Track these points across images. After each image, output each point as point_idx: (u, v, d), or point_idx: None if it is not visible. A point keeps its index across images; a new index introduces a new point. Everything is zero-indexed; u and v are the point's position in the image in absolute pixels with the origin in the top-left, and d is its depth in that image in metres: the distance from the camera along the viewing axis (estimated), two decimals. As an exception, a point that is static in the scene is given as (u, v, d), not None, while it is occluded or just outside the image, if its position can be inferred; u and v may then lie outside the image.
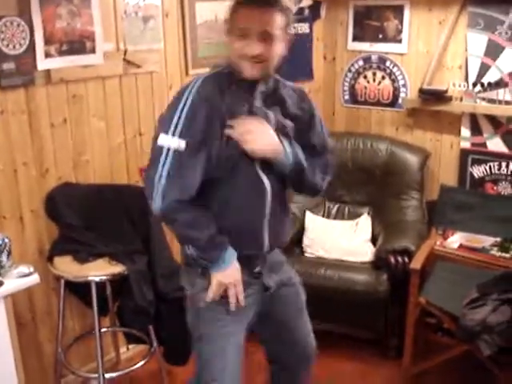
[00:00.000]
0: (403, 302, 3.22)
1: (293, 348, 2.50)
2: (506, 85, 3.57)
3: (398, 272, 3.29)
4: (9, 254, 2.47)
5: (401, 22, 3.92)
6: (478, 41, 3.62)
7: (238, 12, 2.00)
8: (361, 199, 3.98)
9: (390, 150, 3.90)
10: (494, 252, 3.48)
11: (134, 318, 3.03)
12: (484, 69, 3.63)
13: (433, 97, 3.80)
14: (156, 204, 2.00)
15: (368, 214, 3.92)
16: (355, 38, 4.19)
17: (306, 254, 3.73)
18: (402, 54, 4.00)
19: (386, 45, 4.04)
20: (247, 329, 2.29)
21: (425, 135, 4.02)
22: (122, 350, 3.50)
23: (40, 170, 2.89)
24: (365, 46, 4.15)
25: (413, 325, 3.19)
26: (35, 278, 2.50)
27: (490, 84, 3.61)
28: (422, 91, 3.84)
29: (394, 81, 4.07)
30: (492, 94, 3.62)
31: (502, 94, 3.57)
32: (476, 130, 3.78)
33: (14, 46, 2.63)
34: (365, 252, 3.64)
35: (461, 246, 3.55)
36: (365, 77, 4.21)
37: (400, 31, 3.94)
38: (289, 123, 2.16)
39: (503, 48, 3.53)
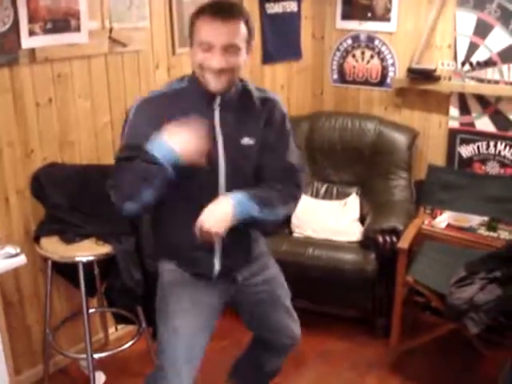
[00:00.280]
0: (391, 281, 3.24)
1: (270, 337, 2.54)
2: (494, 64, 3.56)
3: (385, 251, 3.30)
4: (-6, 235, 2.46)
5: (390, 1, 3.90)
6: (467, 20, 3.60)
7: (200, 23, 1.95)
8: (349, 179, 3.98)
9: (379, 130, 3.90)
10: (482, 231, 3.50)
11: (121, 298, 3.03)
12: (473, 48, 3.62)
13: (421, 76, 3.79)
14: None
15: (356, 193, 3.92)
16: (344, 17, 4.16)
17: (294, 234, 3.73)
18: (390, 33, 3.98)
19: (374, 23, 4.01)
20: (216, 315, 2.33)
21: (413, 115, 4.02)
22: (111, 330, 3.50)
23: (25, 151, 2.86)
24: (353, 25, 4.12)
25: (400, 304, 3.20)
26: (22, 259, 2.48)
27: (478, 63, 3.60)
28: (410, 70, 3.83)
29: (382, 60, 4.05)
30: (481, 74, 3.61)
31: (490, 73, 3.57)
32: (464, 109, 3.77)
33: (-3, 24, 2.59)
34: (353, 232, 3.65)
35: (448, 226, 3.56)
36: (353, 56, 4.19)
37: (389, 10, 3.92)
38: (249, 143, 2.10)
39: (492, 27, 3.52)
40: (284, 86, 4.23)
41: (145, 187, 1.91)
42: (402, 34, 3.93)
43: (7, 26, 2.62)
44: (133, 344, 3.09)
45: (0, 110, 2.72)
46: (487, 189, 3.43)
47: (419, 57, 3.83)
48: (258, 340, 2.62)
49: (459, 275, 2.90)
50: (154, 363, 3.21)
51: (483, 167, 3.78)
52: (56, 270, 2.94)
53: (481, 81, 3.62)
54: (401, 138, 3.85)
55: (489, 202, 3.43)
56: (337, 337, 3.53)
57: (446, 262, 3.21)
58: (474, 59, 3.62)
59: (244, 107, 2.12)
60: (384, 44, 4.01)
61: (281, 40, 4.06)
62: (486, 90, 3.62)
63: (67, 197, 2.88)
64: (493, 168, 3.75)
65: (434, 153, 3.97)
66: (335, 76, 4.32)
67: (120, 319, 3.30)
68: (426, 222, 3.58)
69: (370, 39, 4.07)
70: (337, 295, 3.51)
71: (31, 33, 2.71)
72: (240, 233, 2.14)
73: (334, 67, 4.31)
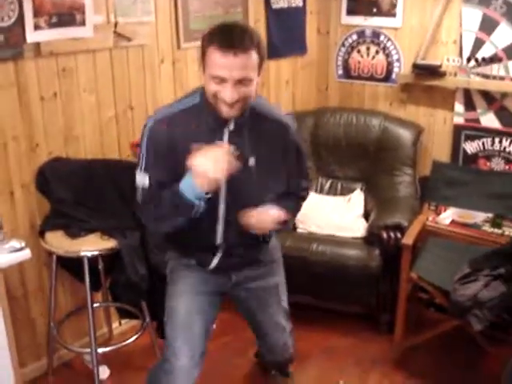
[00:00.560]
0: (395, 277, 3.24)
1: (262, 338, 2.63)
2: (500, 60, 3.55)
3: (390, 247, 3.29)
4: (0, 228, 2.45)
5: (395, -4, 3.89)
6: (472, 15, 3.59)
7: (212, 55, 1.92)
8: (353, 175, 3.98)
9: (383, 126, 3.89)
10: (486, 228, 3.48)
11: (126, 293, 3.03)
12: (478, 44, 3.60)
13: (427, 72, 3.78)
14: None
15: (361, 189, 3.92)
16: (349, 12, 4.15)
17: (298, 230, 3.73)
18: (396, 29, 3.96)
19: (380, 19, 4.00)
20: (214, 303, 2.40)
21: (418, 110, 4.01)
22: (115, 325, 3.51)
23: (30, 145, 2.86)
24: (359, 20, 4.11)
25: (404, 300, 3.20)
26: (27, 253, 2.49)
27: (484, 59, 3.59)
28: (415, 66, 3.82)
29: (387, 55, 4.04)
30: (486, 70, 3.60)
31: (496, 69, 3.55)
32: (469, 105, 3.76)
33: (3, 18, 2.57)
34: (357, 227, 3.64)
35: (453, 222, 3.55)
36: (358, 51, 4.18)
37: (394, 5, 3.90)
38: (252, 164, 2.13)
39: (498, 23, 3.50)
40: (289, 81, 4.22)
41: (180, 219, 2.09)
42: (407, 29, 3.91)
43: (12, 20, 2.62)
44: (137, 338, 3.10)
45: (5, 104, 2.72)
46: (492, 185, 3.42)
47: (425, 52, 3.81)
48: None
49: (463, 272, 2.90)
50: (157, 358, 3.22)
51: (488, 163, 3.77)
52: (61, 264, 2.95)
53: (486, 77, 3.61)
54: (406, 134, 3.84)
55: (493, 199, 3.41)
56: (341, 333, 3.53)
57: (450, 258, 3.21)
58: (479, 55, 3.61)
59: (251, 127, 2.12)
60: (389, 39, 4.00)
61: (286, 35, 4.05)
62: (492, 86, 3.61)
63: (72, 191, 2.88)
64: (498, 164, 3.74)
65: (438, 149, 3.96)
66: (340, 71, 4.31)
67: (124, 314, 3.30)
68: (431, 219, 3.57)
69: (376, 34, 4.06)
70: (341, 291, 3.50)
71: (36, 27, 2.70)
72: (248, 240, 2.24)
73: (339, 63, 4.29)
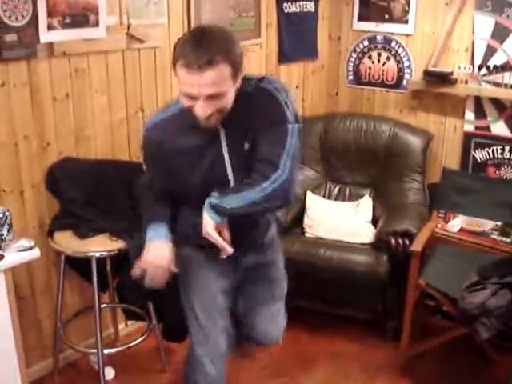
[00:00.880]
0: (403, 284, 3.22)
1: (251, 329, 2.57)
2: (511, 68, 3.53)
3: (398, 254, 3.29)
4: (9, 227, 2.46)
5: (408, 3, 3.88)
6: (485, 23, 3.58)
7: (179, 71, 1.84)
8: (362, 180, 3.97)
9: (393, 132, 3.89)
10: (495, 236, 3.48)
11: (133, 295, 3.04)
12: (490, 52, 3.60)
13: (438, 79, 3.77)
14: None
15: (369, 195, 3.91)
16: (361, 18, 4.15)
17: (306, 234, 3.72)
18: (407, 35, 3.96)
19: (392, 25, 4.00)
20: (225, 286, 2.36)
21: (428, 117, 4.00)
22: (121, 326, 3.51)
23: (41, 144, 2.87)
24: (370, 26, 4.11)
25: (412, 307, 3.19)
26: (36, 253, 2.49)
27: (495, 67, 3.59)
28: (426, 73, 3.81)
29: (398, 62, 4.04)
30: (497, 78, 3.59)
31: (507, 77, 3.54)
32: (480, 113, 3.75)
33: (17, 18, 2.59)
34: (365, 233, 3.64)
35: (461, 230, 3.54)
36: (369, 57, 4.18)
37: (407, 12, 3.90)
38: (247, 147, 2.06)
39: (510, 31, 3.50)
40: (299, 85, 4.23)
41: None
42: (419, 36, 3.91)
43: (26, 20, 2.63)
44: (143, 340, 3.10)
45: (17, 104, 2.72)
46: (501, 194, 3.41)
47: (436, 59, 3.81)
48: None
49: (471, 280, 2.88)
50: (163, 360, 3.23)
51: (498, 172, 3.76)
52: (69, 264, 2.95)
53: (497, 85, 3.60)
54: (415, 141, 3.84)
55: (502, 207, 3.40)
56: (347, 339, 3.52)
57: (458, 266, 3.20)
58: (491, 63, 3.60)
59: (239, 114, 2.01)
60: (401, 46, 4.00)
61: (297, 40, 4.05)
62: (503, 94, 3.60)
63: (82, 191, 2.88)
64: (507, 173, 3.73)
65: (448, 156, 3.95)
66: (351, 77, 4.31)
67: (130, 315, 3.31)
68: (439, 226, 3.57)
69: (387, 41, 4.06)
70: (348, 297, 3.49)
71: (50, 27, 2.72)
72: (245, 223, 2.21)
73: (350, 68, 4.30)
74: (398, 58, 4.03)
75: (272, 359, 3.32)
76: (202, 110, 1.88)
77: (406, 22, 3.92)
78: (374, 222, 3.74)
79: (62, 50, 2.82)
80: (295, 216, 3.73)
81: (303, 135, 2.11)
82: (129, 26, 3.05)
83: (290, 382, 3.16)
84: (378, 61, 4.14)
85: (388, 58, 4.09)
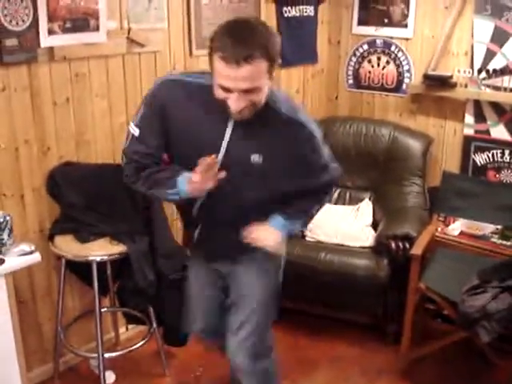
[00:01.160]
0: (403, 287, 3.22)
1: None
2: (511, 72, 3.54)
3: (398, 257, 3.29)
4: (10, 231, 2.46)
5: (407, 7, 3.89)
6: (484, 27, 3.59)
7: (216, 63, 1.84)
8: (362, 184, 3.98)
9: (393, 136, 3.89)
10: (495, 239, 3.48)
11: (133, 299, 3.05)
12: (490, 55, 3.61)
13: (437, 83, 3.78)
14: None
15: (369, 199, 3.92)
16: (360, 22, 4.16)
17: (306, 238, 3.73)
18: (407, 39, 3.97)
19: (391, 29, 4.01)
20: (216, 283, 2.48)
21: (428, 121, 4.01)
22: (122, 330, 3.50)
23: (42, 149, 2.87)
24: (370, 31, 4.12)
25: (412, 311, 3.19)
26: (36, 257, 2.50)
27: (495, 71, 3.59)
28: (426, 77, 3.82)
29: (398, 66, 4.05)
30: (497, 81, 3.60)
31: (507, 81, 3.55)
32: (480, 117, 3.76)
33: (17, 23, 2.60)
34: (365, 237, 3.64)
35: (461, 233, 3.55)
36: (369, 61, 4.19)
37: (406, 16, 3.91)
38: (256, 160, 2.05)
39: (509, 35, 3.51)
40: (299, 90, 4.23)
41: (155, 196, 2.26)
42: (418, 40, 3.92)
43: (27, 24, 2.64)
44: (143, 344, 3.10)
45: (17, 108, 2.73)
46: (501, 197, 3.41)
47: (435, 63, 3.82)
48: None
49: (472, 283, 2.89)
50: (163, 364, 3.23)
51: (497, 175, 3.77)
52: (69, 268, 2.95)
53: (497, 88, 3.61)
54: (415, 145, 3.84)
55: (502, 211, 3.41)
56: (348, 342, 3.52)
57: (458, 269, 3.20)
58: (490, 67, 3.61)
59: (261, 123, 2.02)
60: (400, 50, 4.01)
61: (297, 44, 4.06)
62: (502, 97, 3.61)
63: (83, 196, 2.88)
64: (507, 176, 3.74)
65: (448, 160, 3.96)
66: (350, 81, 4.32)
67: (131, 319, 3.31)
68: (440, 229, 3.57)
69: (387, 45, 4.07)
70: (348, 300, 3.49)
71: (50, 32, 2.72)
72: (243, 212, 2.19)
73: (350, 72, 4.30)
74: (397, 61, 4.04)
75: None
76: (235, 103, 1.89)
77: (406, 25, 3.93)
78: (375, 225, 3.74)
79: (63, 55, 2.83)
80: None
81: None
82: (129, 30, 3.06)
83: (290, 385, 3.16)
84: (378, 65, 4.15)
85: (388, 62, 4.09)
